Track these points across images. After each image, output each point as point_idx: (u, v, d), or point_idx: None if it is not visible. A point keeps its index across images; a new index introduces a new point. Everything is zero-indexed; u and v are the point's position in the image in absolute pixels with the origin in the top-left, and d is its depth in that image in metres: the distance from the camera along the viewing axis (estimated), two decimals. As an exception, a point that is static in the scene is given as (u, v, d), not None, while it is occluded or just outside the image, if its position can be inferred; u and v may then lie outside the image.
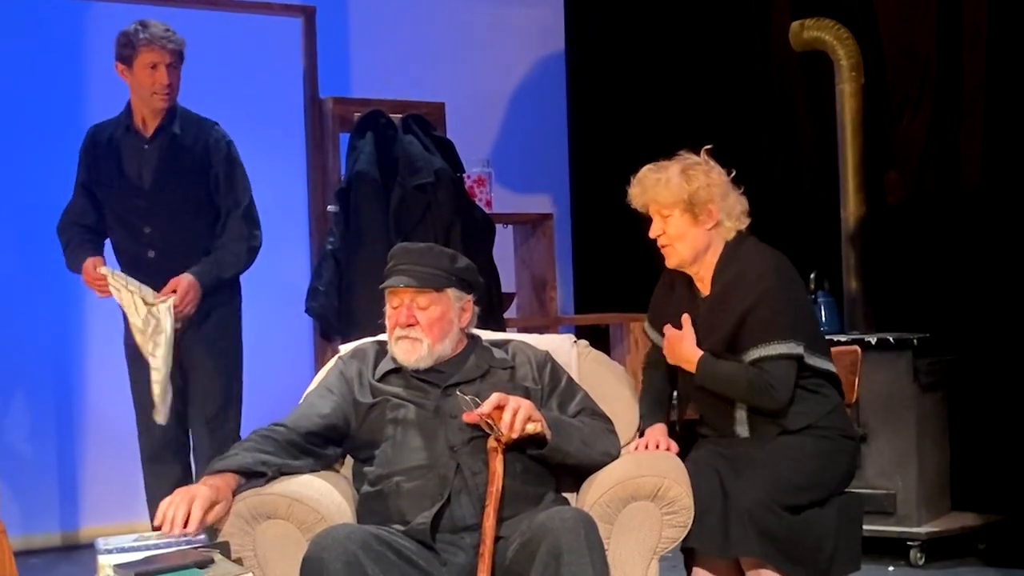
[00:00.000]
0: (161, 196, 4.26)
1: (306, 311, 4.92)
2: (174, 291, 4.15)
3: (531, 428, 3.05)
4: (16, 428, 5.64)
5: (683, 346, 3.36)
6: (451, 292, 3.28)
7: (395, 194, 4.86)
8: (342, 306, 4.85)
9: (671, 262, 3.44)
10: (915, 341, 5.00)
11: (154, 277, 4.19)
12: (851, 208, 5.40)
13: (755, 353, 3.27)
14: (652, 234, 3.42)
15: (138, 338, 4.15)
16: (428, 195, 4.87)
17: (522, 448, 3.10)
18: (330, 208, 4.90)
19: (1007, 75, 5.25)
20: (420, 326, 3.24)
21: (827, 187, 5.74)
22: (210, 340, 4.32)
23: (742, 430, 3.36)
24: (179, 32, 4.29)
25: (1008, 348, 5.18)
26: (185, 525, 2.81)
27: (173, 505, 2.83)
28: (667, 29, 6.69)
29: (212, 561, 2.70)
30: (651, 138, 6.33)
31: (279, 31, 5.44)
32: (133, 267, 4.27)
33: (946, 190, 5.50)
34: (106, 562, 2.73)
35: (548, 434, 3.10)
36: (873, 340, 4.99)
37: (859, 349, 3.61)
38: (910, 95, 5.62)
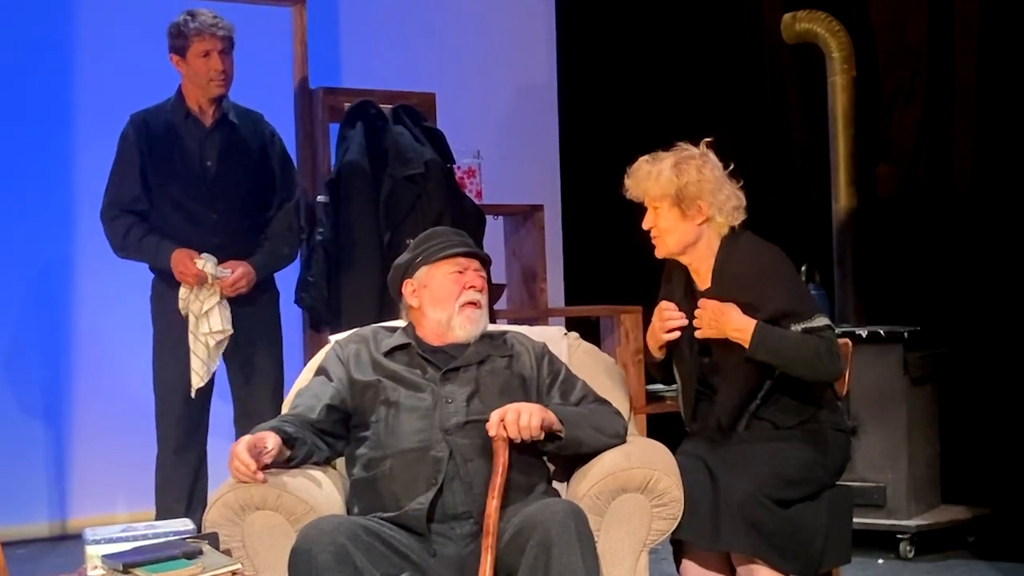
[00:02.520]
0: (225, 183, 4.33)
1: (296, 302, 4.90)
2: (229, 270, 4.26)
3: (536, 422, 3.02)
4: (3, 417, 5.61)
5: (732, 315, 3.24)
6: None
7: (385, 185, 4.85)
8: (332, 297, 4.84)
9: (659, 252, 3.42)
10: (906, 334, 5.01)
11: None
12: (842, 201, 5.40)
13: (801, 327, 3.24)
14: (644, 225, 3.40)
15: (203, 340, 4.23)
16: (418, 186, 4.86)
17: (532, 443, 3.06)
18: (320, 198, 4.88)
19: (999, 68, 5.26)
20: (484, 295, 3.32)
21: (818, 180, 5.74)
22: (263, 319, 4.42)
23: (740, 425, 3.34)
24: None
25: (998, 342, 5.20)
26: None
27: (237, 457, 2.95)
28: (659, 21, 6.68)
29: (200, 552, 2.69)
30: (642, 130, 6.30)
31: (269, 20, 5.42)
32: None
33: (937, 183, 5.51)
34: (94, 552, 2.73)
35: (562, 429, 3.10)
36: (864, 333, 4.99)
37: (850, 342, 3.60)
38: (902, 88, 5.63)
